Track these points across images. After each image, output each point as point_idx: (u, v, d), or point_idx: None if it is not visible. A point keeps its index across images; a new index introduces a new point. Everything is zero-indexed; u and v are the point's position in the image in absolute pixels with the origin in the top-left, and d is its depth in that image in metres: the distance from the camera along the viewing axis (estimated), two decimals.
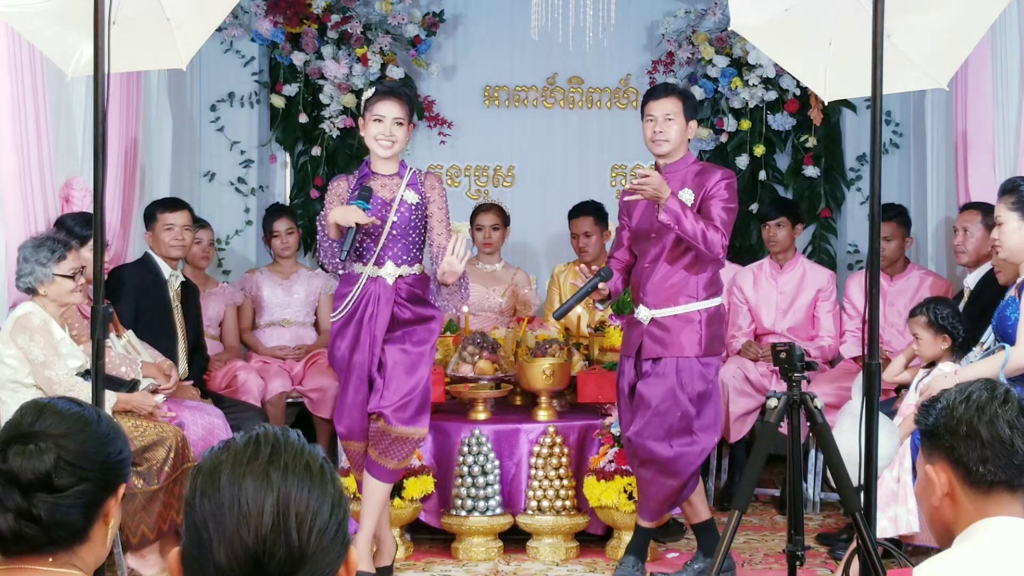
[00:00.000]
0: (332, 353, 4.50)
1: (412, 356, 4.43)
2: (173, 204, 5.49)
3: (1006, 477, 1.96)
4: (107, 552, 1.94)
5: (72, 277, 4.39)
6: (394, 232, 4.37)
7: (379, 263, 4.39)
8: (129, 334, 4.96)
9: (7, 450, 1.83)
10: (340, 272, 4.45)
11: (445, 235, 4.43)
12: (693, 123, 4.53)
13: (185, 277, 5.53)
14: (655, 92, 4.56)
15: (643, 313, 4.47)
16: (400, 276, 4.40)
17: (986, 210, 5.28)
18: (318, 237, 4.36)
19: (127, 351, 4.87)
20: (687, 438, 4.44)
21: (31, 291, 4.39)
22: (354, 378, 4.43)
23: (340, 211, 4.23)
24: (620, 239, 4.68)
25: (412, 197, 4.41)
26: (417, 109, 6.95)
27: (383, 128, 4.37)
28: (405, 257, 4.41)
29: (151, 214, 5.42)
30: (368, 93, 4.45)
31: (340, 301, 4.45)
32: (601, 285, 4.38)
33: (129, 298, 5.16)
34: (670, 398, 4.40)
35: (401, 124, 4.39)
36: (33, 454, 1.82)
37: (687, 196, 4.42)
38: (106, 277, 4.89)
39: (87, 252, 4.61)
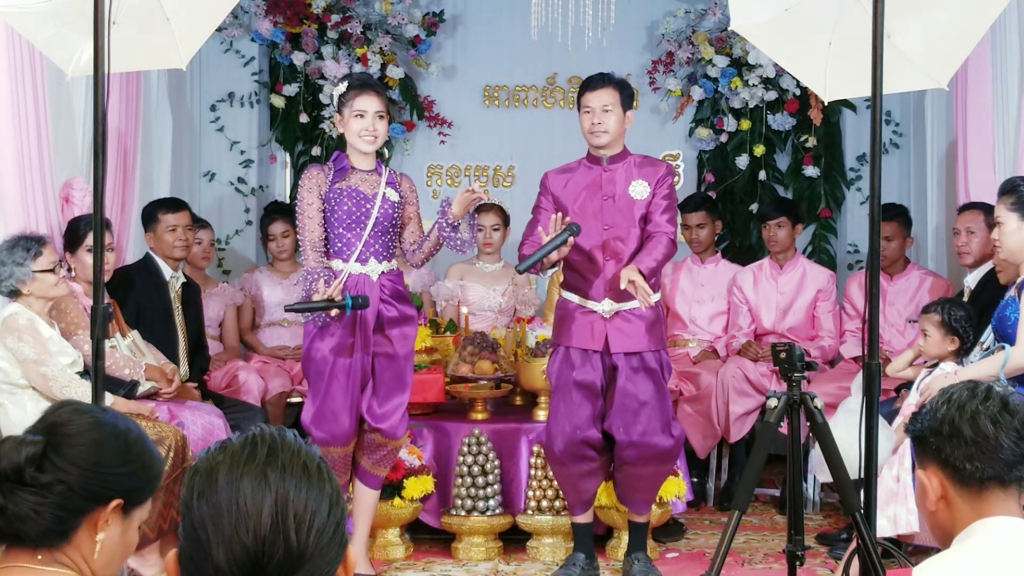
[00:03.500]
0: (309, 355, 4.37)
1: (399, 363, 4.43)
2: (174, 204, 5.49)
3: (994, 473, 1.96)
4: (109, 564, 1.87)
5: (52, 271, 4.39)
6: (376, 229, 4.37)
7: (362, 260, 4.37)
8: (134, 334, 4.96)
9: (5, 440, 1.82)
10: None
11: (418, 232, 4.49)
12: (631, 113, 4.52)
13: (187, 277, 5.53)
14: (591, 83, 4.53)
15: (607, 306, 4.43)
16: (382, 272, 4.40)
17: (988, 210, 5.28)
18: (302, 239, 4.34)
19: (132, 352, 4.87)
20: (674, 423, 4.56)
21: (15, 293, 4.39)
22: (342, 383, 4.35)
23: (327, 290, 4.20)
24: (539, 222, 4.50)
25: (393, 195, 4.42)
26: (417, 109, 6.96)
27: (366, 123, 4.35)
28: (385, 253, 4.42)
29: (151, 215, 5.42)
30: (342, 88, 4.40)
31: None
32: (571, 240, 4.25)
33: (131, 299, 5.17)
34: (660, 391, 4.46)
35: (382, 118, 4.38)
36: (18, 444, 1.79)
37: (643, 188, 4.43)
38: (111, 277, 4.93)
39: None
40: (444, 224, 4.34)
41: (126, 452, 1.86)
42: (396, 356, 4.42)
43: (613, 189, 4.46)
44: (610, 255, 4.43)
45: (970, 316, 4.74)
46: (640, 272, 4.22)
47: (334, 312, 4.22)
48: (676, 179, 4.56)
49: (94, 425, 1.84)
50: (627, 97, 4.50)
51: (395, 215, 4.42)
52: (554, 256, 4.23)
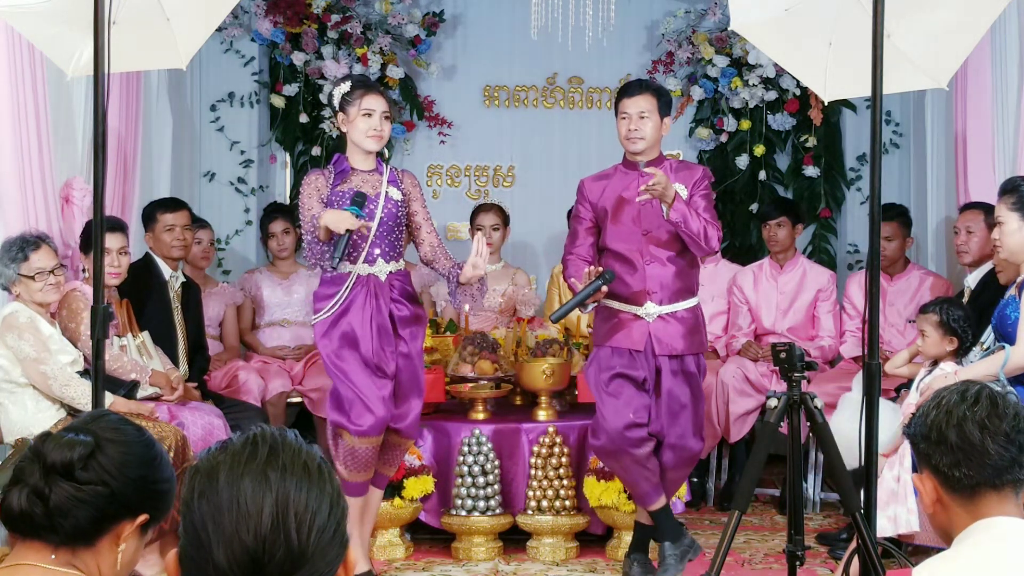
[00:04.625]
0: (322, 354, 4.37)
1: (415, 363, 4.43)
2: (173, 204, 5.49)
3: (983, 478, 1.94)
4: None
5: (33, 277, 4.38)
6: (381, 228, 4.35)
7: (370, 261, 4.35)
8: (144, 336, 4.96)
9: (51, 436, 1.86)
10: (327, 273, 4.35)
11: (433, 233, 4.48)
12: (668, 120, 4.50)
13: (187, 277, 5.53)
14: (629, 89, 4.51)
15: (651, 309, 4.42)
16: (390, 272, 4.39)
17: (988, 209, 5.28)
18: (305, 238, 4.27)
19: (140, 353, 4.88)
20: (702, 427, 4.57)
21: (6, 289, 4.41)
22: (367, 373, 4.30)
23: (333, 216, 4.15)
24: (578, 232, 4.54)
25: (396, 194, 4.40)
26: (417, 109, 6.96)
27: (373, 122, 4.34)
28: (392, 253, 4.39)
29: (150, 215, 5.43)
30: (345, 87, 4.38)
31: (324, 302, 4.35)
32: (604, 288, 4.30)
33: (131, 298, 5.16)
34: (697, 394, 4.49)
35: (387, 118, 4.38)
36: (68, 442, 1.84)
37: (680, 191, 4.41)
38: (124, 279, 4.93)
39: (113, 242, 4.66)
40: (452, 282, 4.36)
41: (160, 470, 1.92)
42: (411, 355, 4.40)
43: None
44: (650, 259, 4.41)
45: (968, 316, 4.73)
46: (683, 206, 4.23)
47: (359, 226, 4.16)
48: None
49: (134, 441, 1.90)
50: (665, 104, 4.48)
51: (399, 214, 4.41)
52: (594, 298, 4.29)
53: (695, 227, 4.27)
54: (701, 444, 4.54)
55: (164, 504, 1.93)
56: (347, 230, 4.14)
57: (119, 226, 4.86)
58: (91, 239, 4.65)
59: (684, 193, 4.42)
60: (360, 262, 4.35)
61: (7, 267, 4.37)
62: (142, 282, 5.26)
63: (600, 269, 4.31)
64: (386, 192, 4.38)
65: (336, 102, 4.40)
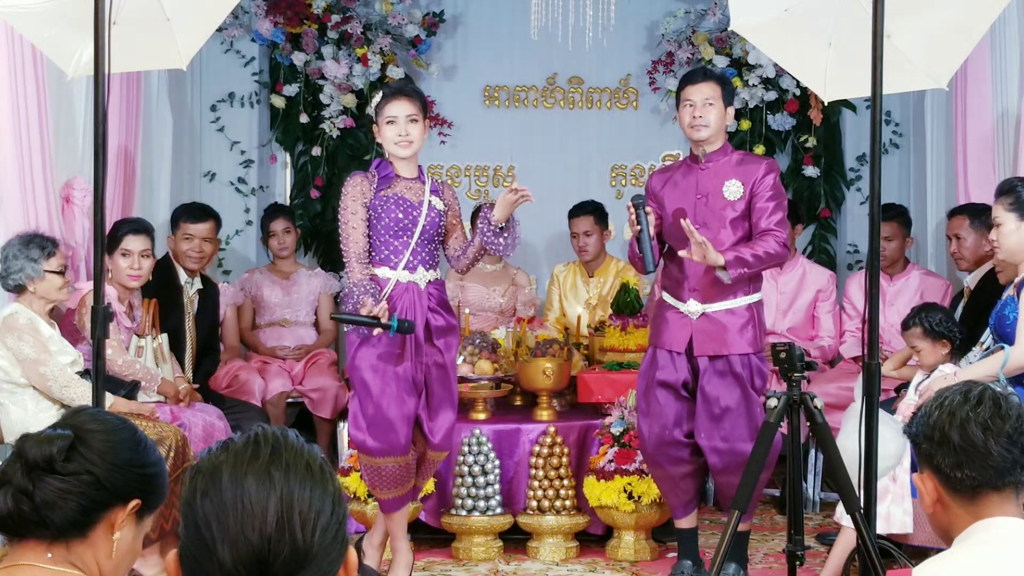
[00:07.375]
0: (355, 364, 4.23)
1: (448, 374, 4.34)
2: (198, 214, 5.51)
3: (984, 479, 1.94)
4: (119, 568, 1.91)
5: (61, 273, 4.40)
6: (422, 237, 4.27)
7: (410, 268, 4.25)
8: (163, 339, 4.95)
9: (31, 435, 1.86)
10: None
11: (462, 239, 4.42)
12: (731, 109, 4.44)
13: (204, 280, 5.53)
14: (693, 76, 4.44)
15: (693, 307, 4.35)
16: (429, 281, 4.30)
17: (972, 212, 5.29)
18: (348, 248, 4.23)
19: (155, 355, 4.88)
20: (755, 429, 4.40)
21: (19, 289, 4.39)
22: (393, 392, 4.20)
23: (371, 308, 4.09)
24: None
25: (438, 203, 4.34)
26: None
27: (398, 128, 4.26)
28: (431, 262, 4.32)
29: (176, 219, 5.47)
30: (376, 99, 4.34)
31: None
32: (648, 208, 4.23)
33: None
34: (747, 396, 4.36)
35: (415, 121, 4.28)
36: (46, 438, 1.84)
37: (736, 187, 4.33)
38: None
39: (136, 244, 4.73)
40: (487, 229, 4.25)
41: (146, 455, 1.92)
42: (445, 366, 4.32)
43: (707, 187, 4.37)
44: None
45: (949, 315, 4.72)
46: (731, 256, 4.15)
47: (376, 331, 4.12)
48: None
49: (116, 428, 1.90)
50: (728, 93, 4.42)
51: (440, 223, 4.33)
52: (649, 233, 4.19)
53: (756, 262, 4.21)
54: None
55: (154, 488, 1.92)
56: (375, 319, 4.07)
57: (144, 228, 4.88)
58: (112, 240, 4.68)
59: (740, 191, 4.33)
60: (400, 268, 4.25)
61: (35, 262, 4.34)
62: (160, 283, 5.24)
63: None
64: (429, 201, 4.31)
65: (374, 115, 4.36)
